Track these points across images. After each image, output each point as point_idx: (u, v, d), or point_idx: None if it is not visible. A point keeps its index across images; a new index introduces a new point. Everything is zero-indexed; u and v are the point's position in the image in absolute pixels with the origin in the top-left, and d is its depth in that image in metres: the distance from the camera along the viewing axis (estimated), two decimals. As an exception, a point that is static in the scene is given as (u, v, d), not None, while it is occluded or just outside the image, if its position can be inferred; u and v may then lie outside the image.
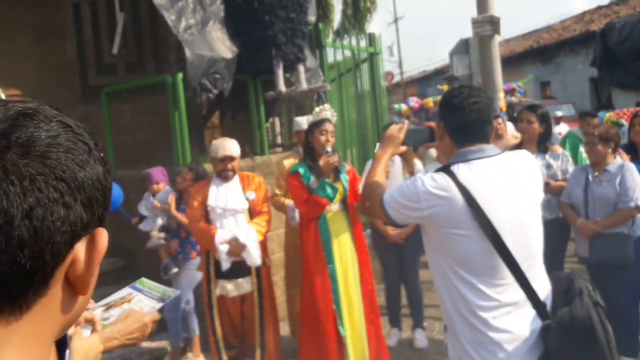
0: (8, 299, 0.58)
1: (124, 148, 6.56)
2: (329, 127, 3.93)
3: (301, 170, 3.91)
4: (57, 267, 0.61)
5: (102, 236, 0.66)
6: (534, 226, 2.16)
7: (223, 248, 3.74)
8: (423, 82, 29.78)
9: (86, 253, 0.64)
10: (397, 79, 31.10)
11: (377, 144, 3.53)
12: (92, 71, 7.05)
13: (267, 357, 3.92)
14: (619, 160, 3.98)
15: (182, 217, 4.33)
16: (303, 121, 4.76)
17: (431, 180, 2.10)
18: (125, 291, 1.84)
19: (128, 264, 5.38)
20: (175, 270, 4.45)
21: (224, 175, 3.88)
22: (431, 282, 6.06)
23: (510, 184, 2.11)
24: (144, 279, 1.91)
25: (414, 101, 19.40)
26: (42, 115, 0.62)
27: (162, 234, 4.51)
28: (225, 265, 3.77)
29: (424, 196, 2.10)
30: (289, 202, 4.42)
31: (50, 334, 0.64)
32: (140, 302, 1.77)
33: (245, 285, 3.91)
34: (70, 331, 1.48)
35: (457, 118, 2.18)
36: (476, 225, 2.03)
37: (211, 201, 3.84)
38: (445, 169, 2.15)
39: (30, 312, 0.60)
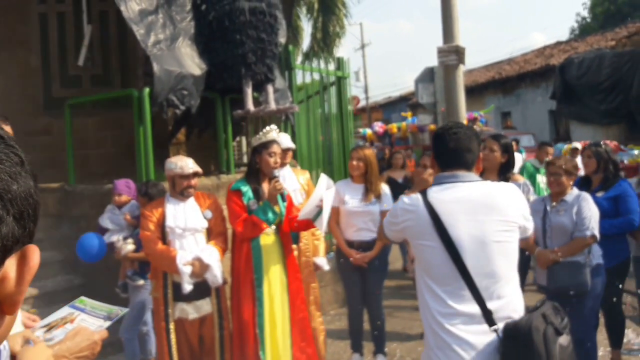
0: None
1: (86, 162, 6.43)
2: (277, 149, 3.92)
3: (243, 189, 3.88)
4: None
5: (34, 253, 0.62)
6: (500, 248, 2.31)
7: (186, 269, 3.62)
8: (388, 108, 30.23)
9: (17, 270, 0.60)
10: (362, 103, 31.46)
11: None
12: (56, 82, 6.91)
13: None
14: (575, 191, 4.08)
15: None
16: None
17: (407, 199, 2.46)
18: (66, 311, 1.78)
19: (85, 281, 5.22)
20: (141, 282, 4.33)
21: (186, 194, 3.78)
22: (394, 307, 6.09)
23: (477, 207, 2.33)
24: (83, 298, 1.86)
25: (378, 126, 19.62)
26: None
27: (131, 240, 4.37)
28: (188, 287, 3.63)
29: (400, 212, 2.47)
30: None
31: None
32: (85, 322, 1.71)
33: (205, 306, 3.81)
34: (17, 348, 1.41)
35: (439, 146, 2.47)
36: (437, 237, 2.29)
37: (170, 221, 3.73)
38: (422, 191, 2.44)
39: None
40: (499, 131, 16.20)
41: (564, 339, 2.23)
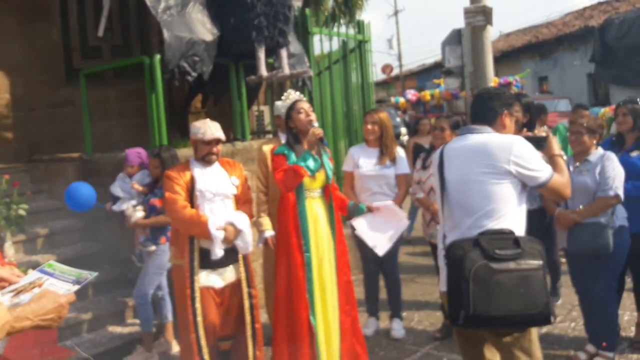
0: None
1: (108, 132, 6.48)
2: (304, 105, 3.88)
3: (286, 152, 3.83)
4: None
5: None
6: (480, 187, 2.68)
7: (219, 235, 3.50)
8: (422, 75, 29.64)
9: None
10: (396, 71, 31.00)
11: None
12: (76, 54, 6.96)
13: (257, 348, 3.72)
14: (600, 151, 3.92)
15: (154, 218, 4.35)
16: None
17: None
18: (35, 275, 1.78)
19: (104, 248, 5.30)
20: (152, 247, 4.34)
21: (207, 159, 3.64)
22: (412, 273, 5.99)
23: (469, 152, 2.74)
24: (52, 262, 1.87)
25: (411, 94, 19.28)
26: None
27: (140, 207, 4.38)
28: (220, 253, 3.50)
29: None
30: (266, 223, 4.20)
31: None
32: (53, 286, 1.70)
33: (231, 273, 3.67)
34: None
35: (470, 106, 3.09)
36: (438, 177, 2.85)
37: (200, 185, 3.60)
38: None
39: None
40: (536, 96, 15.73)
41: (501, 265, 2.48)
